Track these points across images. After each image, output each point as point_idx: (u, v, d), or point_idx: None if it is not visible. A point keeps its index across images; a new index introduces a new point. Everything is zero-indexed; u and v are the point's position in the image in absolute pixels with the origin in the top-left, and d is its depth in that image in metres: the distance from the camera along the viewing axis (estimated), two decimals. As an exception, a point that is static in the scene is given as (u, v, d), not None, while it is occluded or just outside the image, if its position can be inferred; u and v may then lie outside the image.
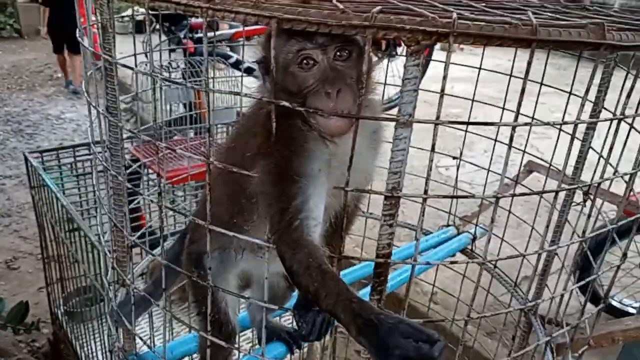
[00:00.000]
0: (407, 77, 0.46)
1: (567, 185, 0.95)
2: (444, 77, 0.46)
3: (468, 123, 0.50)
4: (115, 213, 0.81)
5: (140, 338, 0.66)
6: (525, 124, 0.50)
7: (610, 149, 0.69)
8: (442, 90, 0.47)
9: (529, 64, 0.46)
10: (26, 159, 1.88)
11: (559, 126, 1.06)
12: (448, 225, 1.30)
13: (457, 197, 0.50)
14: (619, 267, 0.71)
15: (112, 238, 0.84)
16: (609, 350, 1.77)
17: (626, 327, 0.99)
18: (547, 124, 0.49)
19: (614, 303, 2.38)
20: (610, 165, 0.77)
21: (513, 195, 0.65)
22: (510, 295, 1.27)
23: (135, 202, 1.81)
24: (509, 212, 1.12)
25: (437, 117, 0.47)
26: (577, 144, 0.92)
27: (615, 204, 1.26)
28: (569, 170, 0.90)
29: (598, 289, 2.37)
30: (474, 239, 1.24)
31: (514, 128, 0.48)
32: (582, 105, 0.81)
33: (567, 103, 1.02)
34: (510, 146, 0.49)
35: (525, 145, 1.13)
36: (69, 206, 1.60)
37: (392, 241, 0.53)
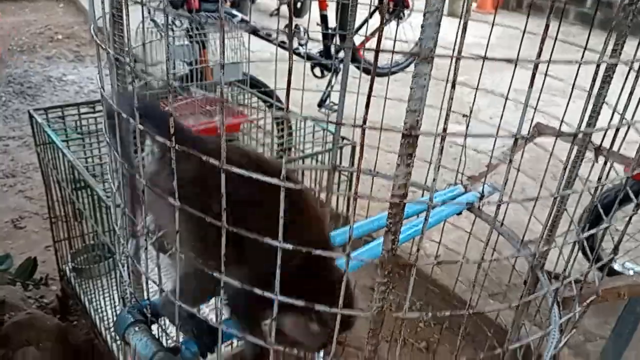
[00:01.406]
0: (429, 10, 0.45)
1: (579, 143, 0.94)
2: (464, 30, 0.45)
3: (485, 58, 0.49)
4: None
5: (154, 281, 0.66)
6: (547, 62, 0.49)
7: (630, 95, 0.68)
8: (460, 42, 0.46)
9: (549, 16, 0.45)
10: (31, 116, 1.87)
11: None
12: (455, 184, 1.30)
13: (474, 136, 0.49)
14: (630, 217, 0.71)
15: (122, 186, 0.84)
16: (609, 312, 1.80)
17: (633, 282, 1.00)
18: (569, 62, 0.48)
19: (616, 267, 2.40)
20: (625, 119, 0.76)
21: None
22: (515, 258, 1.28)
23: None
24: (518, 170, 1.12)
25: (459, 52, 0.46)
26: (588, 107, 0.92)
27: (625, 164, 1.25)
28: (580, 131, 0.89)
29: (602, 254, 2.38)
30: (482, 197, 1.24)
31: (535, 66, 0.47)
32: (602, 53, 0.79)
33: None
34: (531, 84, 0.48)
35: (536, 106, 1.11)
36: (75, 162, 1.60)
37: (409, 182, 0.52)
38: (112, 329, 1.73)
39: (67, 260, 2.04)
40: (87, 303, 1.88)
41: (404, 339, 2.15)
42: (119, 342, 1.68)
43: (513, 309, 0.96)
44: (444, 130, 0.49)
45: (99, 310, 1.80)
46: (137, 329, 0.74)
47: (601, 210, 0.86)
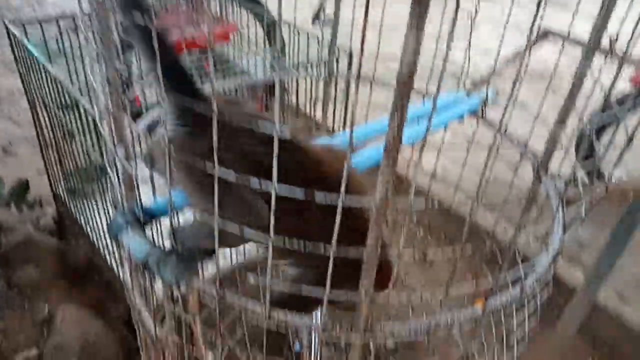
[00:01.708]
0: None
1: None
2: None
3: None
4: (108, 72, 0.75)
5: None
6: None
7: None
8: None
9: None
10: (8, 30, 1.76)
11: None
12: (458, 88, 1.25)
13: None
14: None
15: (108, 95, 0.78)
16: (604, 223, 1.81)
17: (638, 184, 0.97)
18: None
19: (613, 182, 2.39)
20: None
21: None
22: (515, 169, 1.24)
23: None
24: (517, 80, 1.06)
25: None
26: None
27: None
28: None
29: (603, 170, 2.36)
30: (485, 102, 1.19)
31: None
32: None
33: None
34: None
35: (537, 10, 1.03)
36: (59, 77, 1.52)
37: (417, 58, 0.47)
38: (110, 247, 1.73)
39: (60, 181, 2.00)
40: (83, 223, 1.87)
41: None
42: (118, 259, 1.68)
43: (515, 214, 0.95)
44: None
45: (96, 229, 1.79)
46: (130, 230, 0.71)
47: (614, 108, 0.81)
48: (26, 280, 1.77)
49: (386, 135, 0.49)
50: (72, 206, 1.94)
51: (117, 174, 0.82)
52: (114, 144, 0.80)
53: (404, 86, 0.50)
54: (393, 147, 0.50)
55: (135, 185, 0.81)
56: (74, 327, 1.55)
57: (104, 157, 0.88)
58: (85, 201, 1.93)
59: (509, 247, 0.84)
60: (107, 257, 1.74)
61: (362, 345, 0.75)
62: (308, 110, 1.62)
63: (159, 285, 1.06)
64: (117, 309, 1.82)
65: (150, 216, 0.76)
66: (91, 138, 1.51)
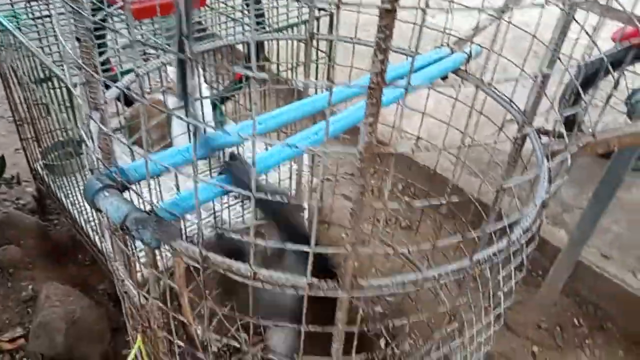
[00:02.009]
0: None
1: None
2: None
3: None
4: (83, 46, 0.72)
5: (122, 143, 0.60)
6: None
7: None
8: None
9: None
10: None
11: None
12: (441, 46, 1.22)
13: None
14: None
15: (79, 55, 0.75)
16: (587, 184, 1.82)
17: (622, 132, 0.97)
18: None
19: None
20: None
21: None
22: (500, 129, 1.23)
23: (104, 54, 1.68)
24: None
25: None
26: None
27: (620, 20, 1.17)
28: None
29: (583, 127, 2.37)
30: (469, 57, 1.17)
31: None
32: None
33: None
34: None
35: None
36: (32, 47, 1.46)
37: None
38: (92, 222, 1.70)
39: (37, 158, 1.96)
40: (64, 199, 1.83)
41: (386, 219, 2.18)
42: (99, 230, 1.65)
43: (499, 176, 0.94)
44: None
45: (77, 205, 1.75)
46: (106, 193, 0.68)
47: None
48: (8, 259, 1.74)
49: (370, 74, 0.47)
50: (51, 183, 1.90)
51: (92, 138, 0.79)
52: (88, 106, 0.77)
53: (387, 14, 0.47)
54: (377, 86, 0.48)
55: (111, 150, 0.79)
56: (59, 305, 1.52)
57: (79, 123, 0.85)
58: (64, 177, 1.89)
59: (495, 201, 0.83)
60: (90, 233, 1.71)
61: (351, 309, 0.74)
62: (289, 74, 1.59)
63: (141, 254, 1.04)
64: (102, 284, 1.80)
65: (128, 180, 0.74)
66: (67, 112, 1.46)
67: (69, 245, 1.93)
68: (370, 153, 0.54)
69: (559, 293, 1.90)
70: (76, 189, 1.80)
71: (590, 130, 0.90)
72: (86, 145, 0.79)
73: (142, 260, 0.96)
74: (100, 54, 1.87)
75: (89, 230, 1.70)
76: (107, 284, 1.80)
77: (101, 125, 0.70)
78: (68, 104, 1.71)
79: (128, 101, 2.04)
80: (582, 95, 0.90)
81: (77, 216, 1.76)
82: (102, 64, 1.88)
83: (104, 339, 1.58)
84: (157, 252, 0.77)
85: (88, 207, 1.72)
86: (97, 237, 1.68)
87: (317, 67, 1.59)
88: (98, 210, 0.70)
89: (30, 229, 1.87)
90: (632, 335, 1.79)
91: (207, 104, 2.12)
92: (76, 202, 1.75)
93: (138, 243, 1.10)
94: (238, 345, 1.19)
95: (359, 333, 0.79)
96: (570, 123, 2.01)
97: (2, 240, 1.80)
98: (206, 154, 0.87)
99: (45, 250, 1.84)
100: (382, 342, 1.65)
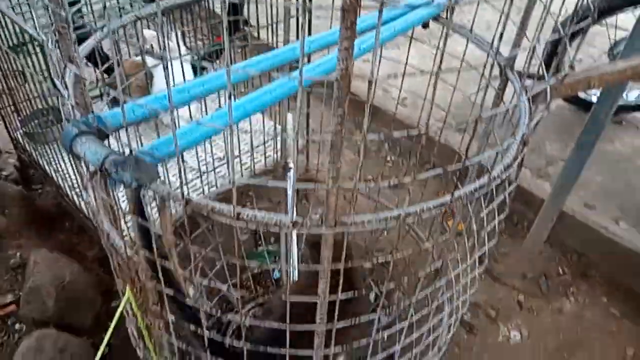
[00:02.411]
0: None
1: None
2: None
3: None
4: None
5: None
6: None
7: None
8: None
9: None
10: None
11: None
12: (422, -7, 1.21)
13: None
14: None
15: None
16: (570, 137, 1.83)
17: (603, 70, 0.97)
18: None
19: (580, 94, 2.42)
20: None
21: None
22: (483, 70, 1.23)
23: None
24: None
25: None
26: None
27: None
28: None
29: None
30: (449, 5, 1.16)
31: None
32: None
33: None
34: None
35: None
36: (6, 10, 1.42)
37: None
38: (77, 189, 1.69)
39: (17, 127, 1.92)
40: (46, 167, 1.81)
41: (372, 178, 2.19)
42: (87, 200, 1.64)
43: (483, 120, 0.94)
44: None
45: (61, 172, 1.73)
46: (84, 139, 0.67)
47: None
48: (-7, 228, 1.73)
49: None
50: (33, 152, 1.87)
51: (67, 87, 0.78)
52: (62, 56, 0.76)
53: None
54: (351, 6, 0.47)
55: (88, 100, 0.78)
56: (48, 270, 1.52)
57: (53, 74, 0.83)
58: (46, 146, 1.87)
59: (473, 133, 0.84)
60: (76, 200, 1.69)
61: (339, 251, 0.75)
62: (270, 33, 1.56)
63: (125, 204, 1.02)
64: (91, 250, 1.80)
65: (105, 127, 0.73)
66: (44, 78, 1.43)
67: (55, 213, 1.92)
68: (347, 80, 0.54)
69: (544, 243, 1.94)
70: (59, 156, 1.78)
71: (568, 67, 0.90)
72: (62, 95, 0.78)
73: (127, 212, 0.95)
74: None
75: (75, 197, 1.69)
76: (97, 250, 1.80)
77: (76, 70, 0.68)
78: (45, 69, 1.68)
79: (104, 64, 2.00)
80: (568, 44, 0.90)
81: (61, 184, 1.75)
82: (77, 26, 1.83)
83: (96, 304, 1.59)
84: (142, 199, 0.77)
85: (72, 174, 1.71)
86: (83, 204, 1.67)
87: (297, 23, 1.57)
88: (76, 157, 0.69)
89: (14, 197, 1.85)
90: (614, 282, 1.84)
91: (188, 67, 2.09)
92: (60, 169, 1.74)
93: (122, 195, 1.09)
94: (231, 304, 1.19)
95: (348, 287, 0.80)
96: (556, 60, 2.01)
97: (-14, 210, 1.79)
98: (184, 101, 0.86)
99: (31, 219, 1.83)
100: (372, 296, 1.68)
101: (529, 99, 0.92)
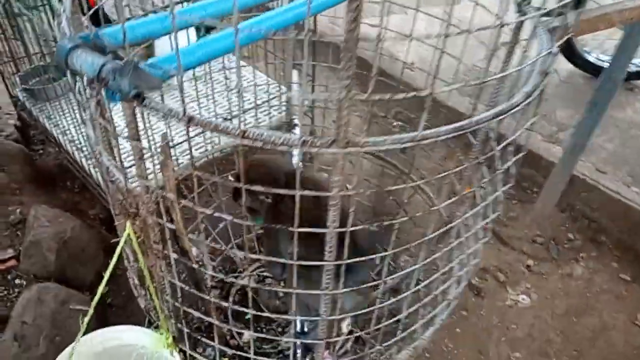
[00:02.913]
0: None
1: None
2: None
3: None
4: None
5: None
6: None
7: None
8: None
9: None
10: None
11: None
12: None
13: None
14: None
15: None
16: (581, 104, 1.77)
17: (622, 7, 0.92)
18: None
19: (590, 58, 2.36)
20: None
21: None
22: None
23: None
24: None
25: None
26: None
27: None
28: None
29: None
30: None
31: None
32: None
33: None
34: None
35: None
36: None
37: None
38: (82, 147, 1.65)
39: (17, 84, 1.88)
40: (47, 124, 1.77)
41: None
42: (91, 160, 1.61)
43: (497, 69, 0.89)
44: None
45: (64, 132, 1.70)
46: (79, 51, 0.63)
47: None
48: (-7, 184, 1.70)
49: None
50: (33, 109, 1.84)
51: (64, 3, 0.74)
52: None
53: None
54: None
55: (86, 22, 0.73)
56: (50, 225, 1.49)
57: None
58: (48, 104, 1.83)
59: (488, 63, 0.79)
60: (78, 157, 1.66)
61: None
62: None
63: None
64: (93, 209, 1.77)
65: (103, 45, 0.68)
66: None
67: (56, 173, 1.89)
68: (354, 39, 0.50)
69: (554, 208, 1.90)
70: (61, 115, 1.74)
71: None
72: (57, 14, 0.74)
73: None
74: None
75: (77, 154, 1.65)
76: (99, 209, 1.77)
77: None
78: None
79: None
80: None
81: (62, 141, 1.71)
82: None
83: (98, 260, 1.56)
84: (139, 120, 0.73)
85: (74, 133, 1.67)
86: (84, 161, 1.64)
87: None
88: (73, 72, 0.65)
89: (15, 155, 1.82)
90: (625, 247, 1.80)
91: (192, 30, 2.05)
92: (62, 127, 1.70)
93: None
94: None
95: (354, 250, 0.77)
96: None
97: (-14, 167, 1.75)
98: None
99: (32, 177, 1.80)
100: (377, 259, 1.65)
101: (548, 30, 0.87)
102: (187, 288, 0.95)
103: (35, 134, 2.03)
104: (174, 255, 0.88)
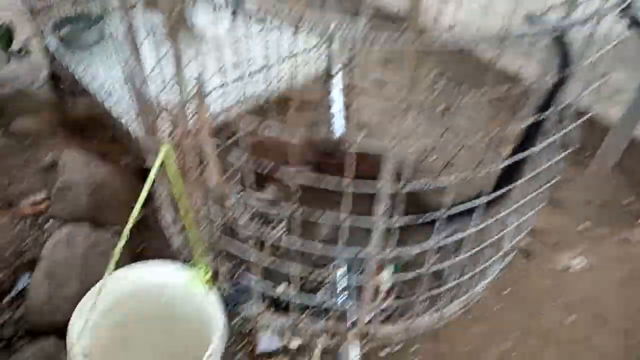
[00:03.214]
0: None
1: None
2: None
3: None
4: None
5: None
6: None
7: None
8: None
9: None
10: None
11: None
12: None
13: None
14: None
15: None
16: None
17: None
18: None
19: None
20: None
21: None
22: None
23: None
24: None
25: None
26: None
27: None
28: None
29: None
30: None
31: None
32: None
33: None
34: None
35: None
36: None
37: None
38: (113, 93, 1.60)
39: (49, 33, 1.84)
40: (80, 74, 1.71)
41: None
42: (122, 106, 1.55)
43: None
44: None
45: (98, 82, 1.64)
46: None
47: None
48: (24, 130, 1.66)
49: None
50: (65, 59, 1.79)
51: None
52: None
53: None
54: None
55: None
56: (81, 169, 1.44)
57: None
58: (81, 53, 1.78)
59: None
60: (108, 105, 1.60)
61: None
62: None
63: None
64: (124, 159, 1.71)
65: None
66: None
67: (86, 124, 1.84)
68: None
69: (611, 170, 1.77)
70: (97, 64, 1.69)
71: None
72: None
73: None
74: None
75: (109, 103, 1.59)
76: (130, 159, 1.71)
77: None
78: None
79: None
80: None
81: (94, 90, 1.66)
82: None
83: (130, 207, 1.50)
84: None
85: (107, 85, 1.61)
86: (115, 108, 1.58)
87: None
88: None
89: (46, 102, 1.78)
90: (686, 213, 1.67)
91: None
92: (93, 74, 1.65)
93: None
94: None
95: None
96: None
97: (17, 112, 1.71)
98: None
99: (63, 125, 1.75)
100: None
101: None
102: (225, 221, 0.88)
103: (66, 86, 1.98)
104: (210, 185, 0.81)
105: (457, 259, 0.89)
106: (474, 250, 0.93)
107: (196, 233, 0.90)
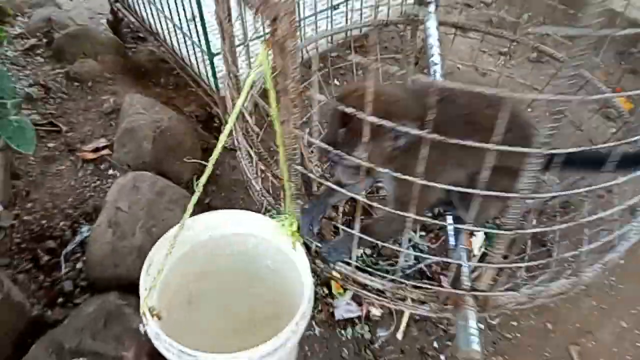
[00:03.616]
0: None
1: None
2: None
3: None
4: None
5: None
6: None
7: None
8: None
9: None
10: None
11: None
12: None
13: None
14: None
15: None
16: None
17: None
18: None
19: None
20: None
21: None
22: None
23: None
24: None
25: None
26: None
27: None
28: None
29: None
30: None
31: None
32: None
33: None
34: None
35: None
36: None
37: None
38: (188, 37, 1.45)
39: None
40: (146, 14, 1.57)
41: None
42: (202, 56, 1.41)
43: None
44: None
45: (167, 23, 1.49)
46: None
47: None
48: (86, 72, 1.55)
49: None
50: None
51: None
52: None
53: None
54: None
55: None
56: (145, 113, 1.32)
57: None
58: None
59: None
60: (177, 46, 1.45)
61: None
62: None
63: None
64: (188, 107, 1.59)
65: None
66: None
67: (149, 68, 1.72)
68: None
69: None
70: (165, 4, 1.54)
71: None
72: None
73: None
74: None
75: (176, 44, 1.44)
76: (194, 107, 1.59)
77: None
78: None
79: None
80: None
81: (161, 29, 1.51)
82: None
83: (195, 155, 1.38)
84: None
85: (179, 25, 1.46)
86: (184, 51, 1.43)
87: None
88: None
89: (108, 45, 1.67)
90: None
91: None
92: (161, 9, 1.50)
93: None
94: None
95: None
96: None
97: (78, 54, 1.61)
98: None
99: (125, 69, 1.64)
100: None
101: None
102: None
103: (127, 31, 1.87)
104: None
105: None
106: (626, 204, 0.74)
107: (288, 174, 0.75)
